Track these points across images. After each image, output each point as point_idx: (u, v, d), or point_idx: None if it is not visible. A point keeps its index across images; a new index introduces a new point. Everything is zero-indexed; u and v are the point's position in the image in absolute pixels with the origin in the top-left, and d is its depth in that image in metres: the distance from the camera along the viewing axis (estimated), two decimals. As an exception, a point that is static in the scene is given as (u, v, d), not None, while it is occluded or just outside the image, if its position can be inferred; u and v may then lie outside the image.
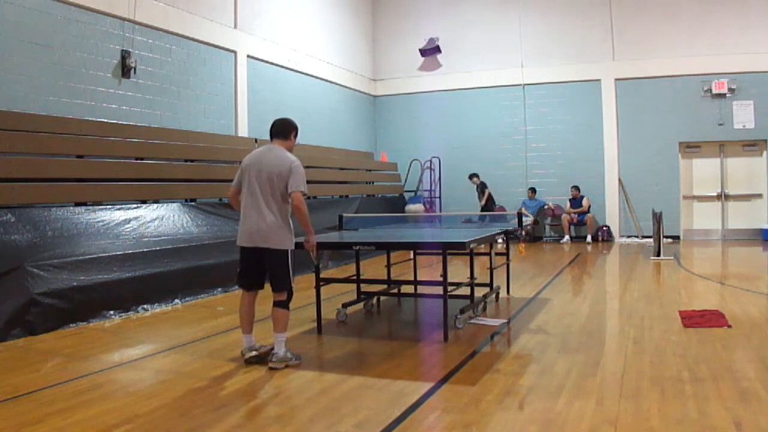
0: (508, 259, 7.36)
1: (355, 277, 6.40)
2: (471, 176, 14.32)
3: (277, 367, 4.43)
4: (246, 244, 4.57)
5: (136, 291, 6.68)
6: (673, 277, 8.61)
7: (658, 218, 10.52)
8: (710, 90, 13.39)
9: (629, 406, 3.48)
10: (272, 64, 12.05)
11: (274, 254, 4.49)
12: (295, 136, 4.78)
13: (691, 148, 13.93)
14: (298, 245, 4.78)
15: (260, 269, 4.60)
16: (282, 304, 4.54)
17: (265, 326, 5.76)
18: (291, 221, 4.62)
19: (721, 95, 13.33)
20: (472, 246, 5.42)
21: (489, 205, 13.87)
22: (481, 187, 14.13)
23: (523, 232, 13.77)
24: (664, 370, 4.16)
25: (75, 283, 6.05)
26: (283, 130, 4.70)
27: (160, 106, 9.43)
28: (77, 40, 8.11)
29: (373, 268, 8.51)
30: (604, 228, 14.13)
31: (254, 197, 4.51)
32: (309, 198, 11.74)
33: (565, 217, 14.22)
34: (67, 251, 6.35)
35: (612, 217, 14.22)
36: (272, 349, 4.57)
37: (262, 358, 4.59)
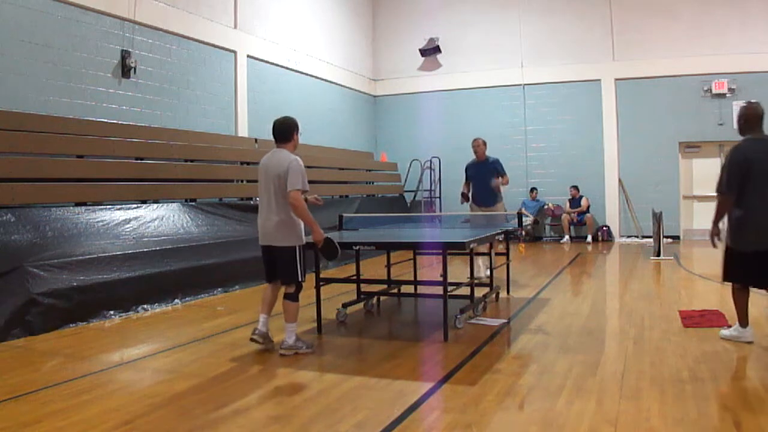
0: (508, 259, 7.36)
1: (355, 277, 6.41)
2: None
3: (287, 354, 4.73)
4: (261, 243, 4.92)
5: (136, 291, 6.68)
6: (673, 277, 8.61)
7: (658, 218, 10.53)
8: (710, 90, 13.38)
9: (629, 406, 3.48)
10: (272, 64, 12.06)
11: (280, 251, 4.78)
12: (297, 131, 4.97)
13: (691, 148, 13.93)
14: (310, 244, 4.94)
15: (274, 265, 4.90)
16: (290, 297, 4.81)
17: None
18: (298, 219, 4.80)
19: (721, 95, 13.32)
20: (472, 246, 5.43)
21: None
22: None
23: (523, 232, 13.76)
24: (664, 370, 4.16)
25: (75, 283, 6.05)
26: (285, 133, 4.88)
27: (160, 106, 9.43)
28: (77, 40, 8.11)
29: (373, 268, 8.50)
30: (604, 228, 14.14)
31: (263, 199, 4.85)
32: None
33: (565, 217, 14.22)
34: (67, 251, 6.35)
35: (612, 217, 14.23)
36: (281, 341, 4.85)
37: (266, 346, 4.91)
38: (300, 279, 4.80)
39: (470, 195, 8.37)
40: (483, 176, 8.21)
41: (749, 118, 4.70)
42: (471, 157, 8.51)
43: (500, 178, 8.19)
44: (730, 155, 4.70)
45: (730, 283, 4.87)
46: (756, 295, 6.81)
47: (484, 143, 8.51)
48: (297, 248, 4.76)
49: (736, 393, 3.67)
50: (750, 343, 4.75)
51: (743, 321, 4.78)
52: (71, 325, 5.88)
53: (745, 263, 4.63)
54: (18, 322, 5.49)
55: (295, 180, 4.62)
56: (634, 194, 14.04)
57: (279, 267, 4.84)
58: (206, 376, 4.30)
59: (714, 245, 4.86)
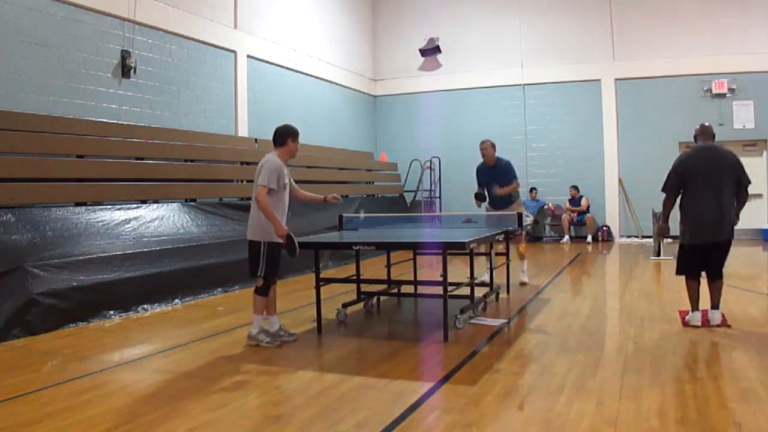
0: (508, 259, 7.36)
1: (355, 277, 6.41)
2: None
3: (249, 343, 5.05)
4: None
5: (136, 291, 6.68)
6: (673, 277, 8.56)
7: (658, 218, 10.51)
8: (710, 90, 13.39)
9: (629, 406, 3.48)
10: (272, 64, 12.05)
11: (250, 244, 5.06)
12: (293, 139, 5.17)
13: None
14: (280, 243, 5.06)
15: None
16: (256, 290, 5.06)
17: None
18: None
19: (721, 95, 13.33)
20: (472, 246, 5.43)
21: None
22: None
23: (523, 233, 13.73)
24: (664, 370, 4.16)
25: (75, 283, 6.05)
26: (279, 138, 5.15)
27: (160, 106, 9.43)
28: (77, 40, 8.11)
29: (373, 268, 8.50)
30: (604, 228, 14.14)
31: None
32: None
33: (565, 217, 14.22)
34: (67, 251, 6.35)
35: (612, 217, 14.22)
36: (291, 334, 5.25)
37: (288, 339, 5.21)
38: (260, 273, 4.96)
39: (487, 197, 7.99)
40: (494, 181, 7.87)
41: (699, 133, 5.61)
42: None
43: (505, 185, 7.81)
44: (676, 161, 5.59)
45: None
46: (756, 295, 6.84)
47: (493, 146, 8.02)
48: (262, 244, 4.95)
49: (736, 393, 3.67)
50: (696, 326, 5.30)
51: (694, 306, 5.43)
52: (71, 325, 5.88)
53: (692, 255, 5.46)
54: (18, 322, 5.49)
55: (263, 177, 4.85)
56: (634, 194, 14.04)
57: (249, 259, 5.05)
58: (206, 376, 4.30)
59: (662, 237, 5.63)
